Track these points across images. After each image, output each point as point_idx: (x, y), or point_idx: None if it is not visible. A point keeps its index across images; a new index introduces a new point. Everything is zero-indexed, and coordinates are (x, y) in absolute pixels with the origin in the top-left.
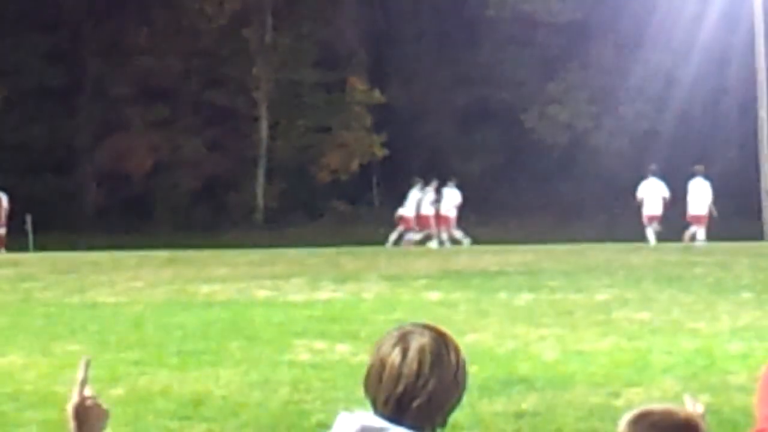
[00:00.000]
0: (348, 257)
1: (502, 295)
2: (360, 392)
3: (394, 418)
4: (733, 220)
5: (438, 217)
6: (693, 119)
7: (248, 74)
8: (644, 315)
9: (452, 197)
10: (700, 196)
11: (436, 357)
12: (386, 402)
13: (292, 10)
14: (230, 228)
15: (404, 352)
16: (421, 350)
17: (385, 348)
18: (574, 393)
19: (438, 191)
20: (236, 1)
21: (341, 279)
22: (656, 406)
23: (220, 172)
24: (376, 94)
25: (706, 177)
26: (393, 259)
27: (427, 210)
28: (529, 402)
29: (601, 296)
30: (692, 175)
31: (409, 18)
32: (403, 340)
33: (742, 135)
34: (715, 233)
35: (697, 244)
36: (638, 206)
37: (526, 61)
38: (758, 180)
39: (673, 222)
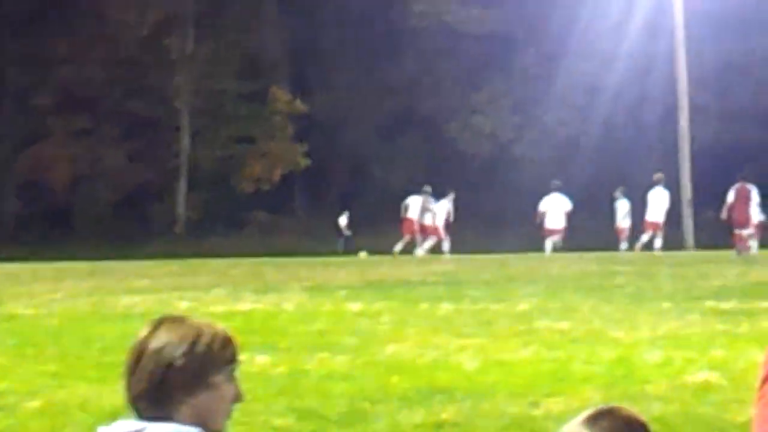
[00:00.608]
0: (270, 268)
1: (424, 306)
2: (279, 403)
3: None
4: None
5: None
6: (616, 128)
7: (170, 84)
8: (565, 325)
9: (443, 208)
10: (658, 204)
11: None
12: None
13: (214, 21)
14: (152, 239)
15: None
16: None
17: None
18: (493, 403)
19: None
20: (158, 10)
21: (262, 290)
22: (614, 405)
23: (142, 183)
24: (299, 103)
25: (666, 186)
26: (315, 270)
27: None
28: (449, 412)
29: (523, 306)
30: (652, 185)
31: (333, 28)
32: None
33: (663, 144)
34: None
35: (655, 252)
36: (540, 220)
37: (449, 71)
38: (679, 189)
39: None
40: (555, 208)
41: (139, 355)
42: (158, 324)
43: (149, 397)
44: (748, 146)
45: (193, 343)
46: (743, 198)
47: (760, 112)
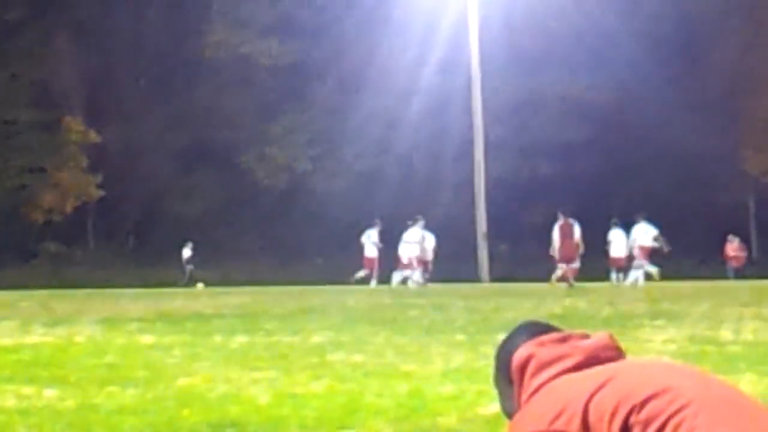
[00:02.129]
0: (61, 300)
1: (217, 338)
2: None
3: None
4: (450, 262)
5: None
6: (415, 162)
7: None
8: (358, 357)
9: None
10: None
11: None
12: None
13: (4, 50)
14: None
15: None
16: None
17: None
18: None
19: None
20: None
21: (52, 322)
22: None
23: None
24: (93, 134)
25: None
26: (106, 302)
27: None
28: None
29: (317, 339)
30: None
31: (127, 58)
32: None
33: (459, 178)
34: (432, 275)
35: (628, 282)
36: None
37: (245, 102)
38: (474, 223)
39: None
40: (412, 241)
41: None
42: None
43: None
44: (542, 180)
45: None
46: (567, 234)
47: (553, 147)
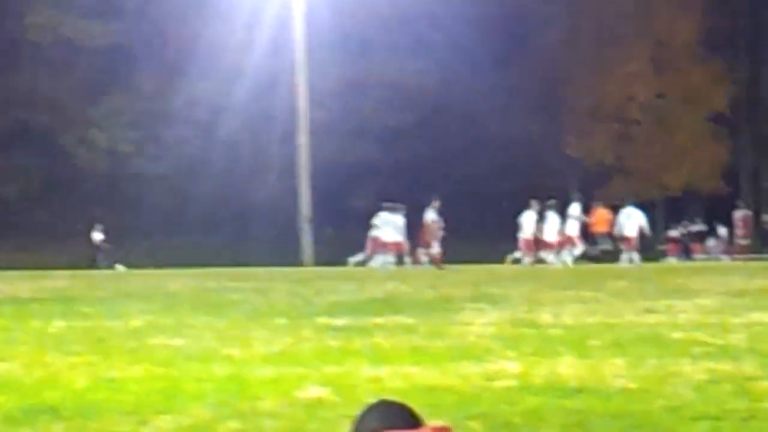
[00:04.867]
0: None
1: (35, 323)
2: None
3: None
4: (274, 246)
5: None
6: (239, 146)
7: None
8: (178, 341)
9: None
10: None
11: None
12: None
13: None
14: None
15: None
16: None
17: None
18: (102, 422)
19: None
20: None
21: None
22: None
23: None
24: None
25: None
26: None
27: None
28: (54, 431)
29: (136, 323)
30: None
31: None
32: None
33: (284, 162)
34: (256, 260)
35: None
36: None
37: (66, 84)
38: (297, 207)
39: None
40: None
41: None
42: None
43: None
44: (367, 164)
45: None
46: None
47: (378, 131)
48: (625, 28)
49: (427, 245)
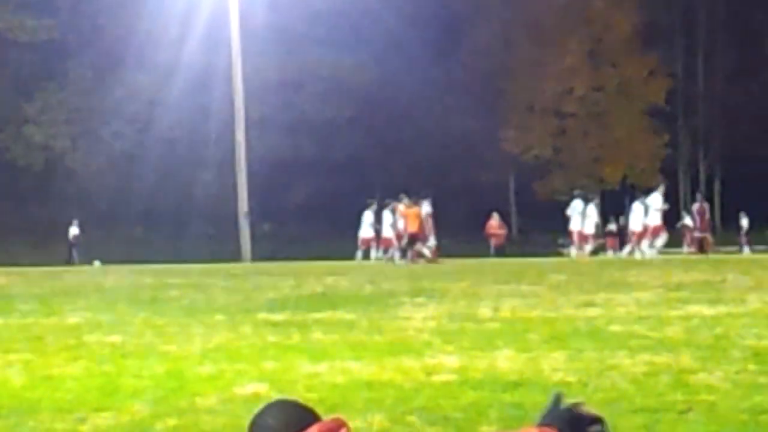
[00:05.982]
0: None
1: None
2: None
3: None
4: (213, 243)
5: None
6: (176, 141)
7: None
8: (116, 338)
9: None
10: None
11: None
12: None
13: None
14: None
15: None
16: None
17: None
18: (39, 419)
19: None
20: None
21: None
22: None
23: None
24: None
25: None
26: None
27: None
28: None
29: (73, 320)
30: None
31: None
32: None
33: (222, 157)
34: (194, 255)
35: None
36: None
37: None
38: (236, 202)
39: None
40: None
41: None
42: None
43: None
44: (305, 159)
45: None
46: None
47: (316, 126)
48: (561, 23)
49: (425, 239)
